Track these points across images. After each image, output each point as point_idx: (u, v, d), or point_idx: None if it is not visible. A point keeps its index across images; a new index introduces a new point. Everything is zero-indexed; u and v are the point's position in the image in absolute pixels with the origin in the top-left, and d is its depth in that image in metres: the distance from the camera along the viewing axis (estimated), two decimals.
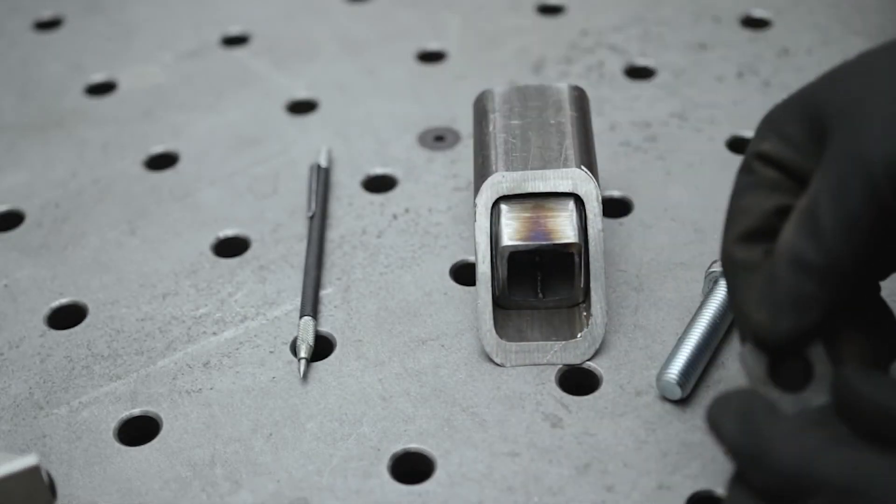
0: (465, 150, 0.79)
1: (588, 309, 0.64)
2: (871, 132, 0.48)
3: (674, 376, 0.60)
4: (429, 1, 0.95)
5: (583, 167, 0.63)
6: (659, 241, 0.71)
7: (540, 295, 0.66)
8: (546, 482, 0.58)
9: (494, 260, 0.63)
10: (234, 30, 0.94)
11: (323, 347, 0.66)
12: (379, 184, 0.78)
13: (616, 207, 0.74)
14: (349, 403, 0.63)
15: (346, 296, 0.69)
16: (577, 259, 0.63)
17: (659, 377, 0.61)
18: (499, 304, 0.65)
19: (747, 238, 0.52)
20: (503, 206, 0.64)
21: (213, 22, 0.95)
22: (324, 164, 0.77)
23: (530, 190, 0.63)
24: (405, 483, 0.59)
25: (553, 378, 0.63)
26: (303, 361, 0.64)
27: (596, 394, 0.62)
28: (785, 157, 0.52)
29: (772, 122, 0.54)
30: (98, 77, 0.90)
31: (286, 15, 0.95)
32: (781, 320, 0.49)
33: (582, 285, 0.64)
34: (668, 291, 0.67)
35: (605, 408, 0.61)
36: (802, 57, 0.85)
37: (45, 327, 0.69)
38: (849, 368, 0.49)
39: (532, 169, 0.64)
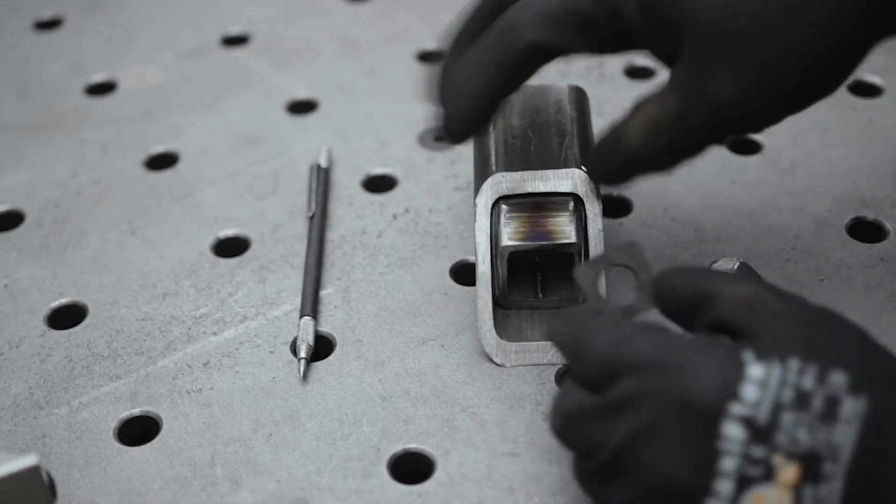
0: (465, 150, 0.79)
1: None
2: (731, 80, 0.53)
3: None
4: (429, 1, 0.95)
5: (583, 167, 0.63)
6: (659, 241, 0.71)
7: (540, 295, 0.66)
8: (546, 482, 0.58)
9: (494, 260, 0.63)
10: (234, 30, 0.94)
11: (323, 347, 0.66)
12: (379, 184, 0.78)
13: (616, 207, 0.74)
14: (349, 403, 0.63)
15: (346, 296, 0.69)
16: (577, 259, 0.63)
17: None
18: (499, 304, 0.65)
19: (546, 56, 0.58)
20: (503, 206, 0.64)
21: (213, 22, 0.95)
22: (324, 164, 0.77)
23: (530, 190, 0.63)
24: (405, 483, 0.59)
25: (553, 378, 0.63)
26: (303, 361, 0.64)
27: None
28: (626, 15, 0.56)
29: None
30: (98, 77, 0.90)
31: (286, 15, 0.95)
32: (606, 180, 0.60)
33: None
34: None
35: None
36: None
37: (45, 327, 0.69)
38: (669, 269, 0.54)
39: (532, 169, 0.64)
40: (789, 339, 0.48)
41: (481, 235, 0.64)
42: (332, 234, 0.73)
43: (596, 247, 0.63)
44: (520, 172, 0.63)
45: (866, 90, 0.82)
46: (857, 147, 0.77)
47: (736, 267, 0.62)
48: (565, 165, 0.64)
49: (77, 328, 0.68)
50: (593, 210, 0.63)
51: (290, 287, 0.70)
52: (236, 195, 0.77)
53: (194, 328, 0.68)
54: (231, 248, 0.73)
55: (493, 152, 0.66)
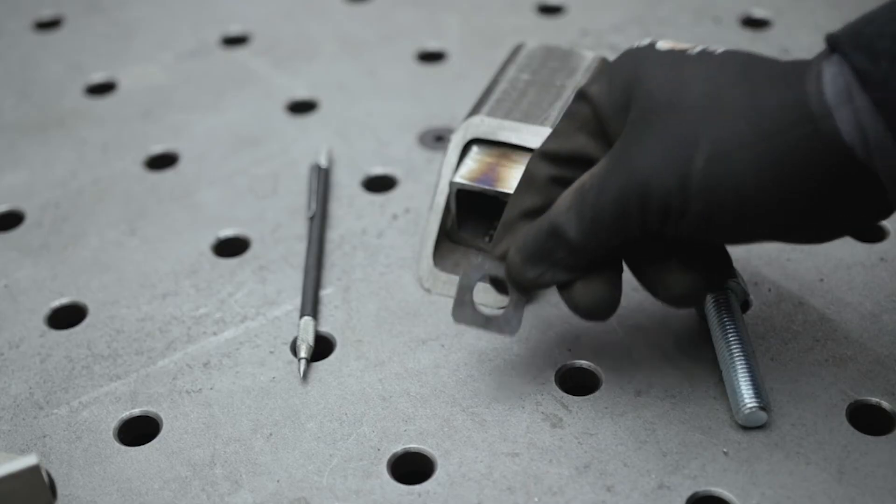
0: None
1: None
2: (649, 154, 0.54)
3: (754, 404, 0.59)
4: (429, 1, 0.95)
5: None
6: None
7: (487, 239, 0.68)
8: (546, 482, 0.58)
9: (450, 195, 0.67)
10: (234, 30, 0.94)
11: (323, 347, 0.66)
12: (379, 184, 0.78)
13: None
14: (349, 403, 0.63)
15: (346, 296, 0.69)
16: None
17: (738, 411, 0.59)
18: (449, 237, 0.68)
19: (552, 159, 0.59)
20: (473, 148, 0.67)
21: (213, 22, 0.95)
22: (324, 164, 0.77)
23: (502, 139, 0.66)
24: (405, 483, 0.59)
25: (553, 378, 0.63)
26: (303, 361, 0.64)
27: (596, 394, 0.62)
28: (600, 105, 0.57)
29: (610, 72, 0.58)
30: (98, 77, 0.90)
31: (286, 15, 0.95)
32: (528, 270, 0.58)
33: None
34: None
35: (605, 408, 0.61)
36: (802, 57, 0.85)
37: (45, 327, 0.69)
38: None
39: (512, 120, 0.66)
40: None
41: (446, 168, 0.67)
42: (332, 234, 0.73)
43: None
44: (498, 121, 0.66)
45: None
46: None
47: None
48: (542, 125, 0.66)
49: (77, 328, 0.68)
50: None
51: (290, 287, 0.70)
52: (236, 195, 0.77)
53: (194, 328, 0.68)
54: (231, 248, 0.73)
55: (488, 98, 0.68)
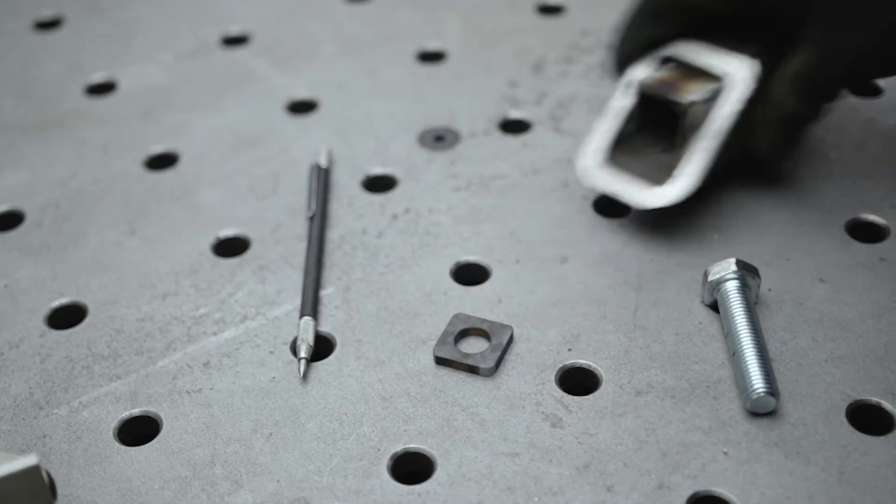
0: (465, 150, 0.79)
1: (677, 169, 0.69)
2: (860, 46, 0.67)
3: (763, 389, 0.59)
4: (429, 1, 0.95)
5: (754, 61, 0.70)
6: (659, 241, 0.71)
7: (659, 149, 0.71)
8: (546, 482, 0.58)
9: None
10: (234, 30, 0.94)
11: (323, 347, 0.66)
12: (379, 184, 0.78)
13: (616, 207, 0.74)
14: (349, 403, 0.63)
15: (346, 296, 0.69)
16: (682, 121, 0.69)
17: (748, 397, 0.59)
18: (620, 141, 0.72)
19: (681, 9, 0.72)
20: (670, 63, 0.72)
21: (213, 22, 0.95)
22: (324, 164, 0.77)
23: (695, 62, 0.71)
24: (405, 483, 0.59)
25: (553, 378, 0.63)
26: (303, 361, 0.64)
27: (596, 394, 0.62)
28: None
29: None
30: (98, 77, 0.90)
31: (286, 15, 0.95)
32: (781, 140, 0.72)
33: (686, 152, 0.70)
34: (668, 291, 0.67)
35: (605, 408, 0.61)
36: None
37: (45, 327, 0.69)
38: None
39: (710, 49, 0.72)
40: None
41: (640, 74, 0.72)
42: (332, 234, 0.73)
43: (719, 124, 0.69)
44: (697, 44, 0.72)
45: (866, 90, 0.82)
46: (857, 147, 0.77)
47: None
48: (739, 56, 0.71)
49: (77, 328, 0.68)
50: (737, 93, 0.69)
51: (290, 287, 0.70)
52: (236, 195, 0.77)
53: (194, 328, 0.68)
54: (231, 248, 0.73)
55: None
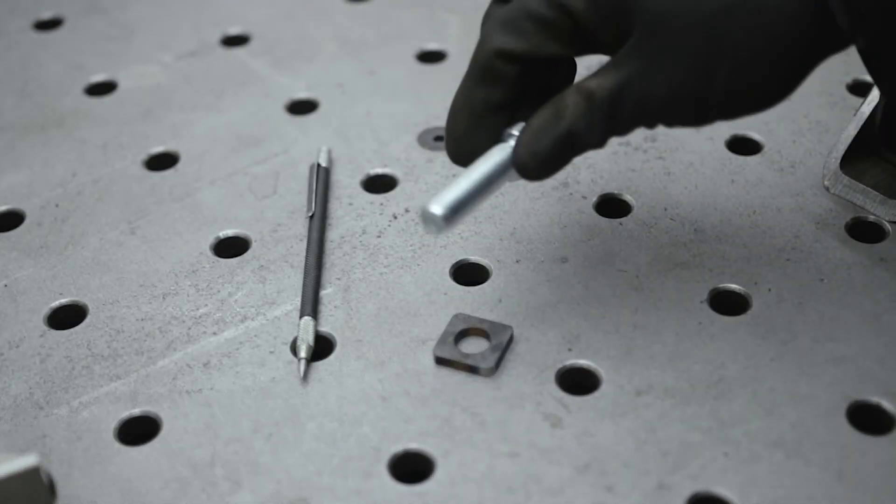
0: None
1: None
2: (665, 81, 0.57)
3: (439, 209, 0.58)
4: (429, 1, 0.95)
5: None
6: (659, 241, 0.71)
7: None
8: (546, 482, 0.58)
9: (878, 106, 0.70)
10: (234, 30, 0.94)
11: (323, 347, 0.66)
12: (379, 184, 0.78)
13: (616, 207, 0.74)
14: (349, 403, 0.63)
15: (346, 296, 0.69)
16: None
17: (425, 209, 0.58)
18: (866, 147, 0.71)
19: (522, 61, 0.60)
20: None
21: (213, 22, 0.95)
22: (324, 164, 0.77)
23: None
24: (405, 483, 0.59)
25: (553, 378, 0.63)
26: (303, 361, 0.64)
27: (596, 394, 0.62)
28: (586, 19, 0.58)
29: None
30: (98, 77, 0.90)
31: (286, 15, 0.95)
32: (543, 173, 0.60)
33: None
34: (668, 291, 0.67)
35: (605, 408, 0.61)
36: None
37: (45, 327, 0.69)
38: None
39: None
40: None
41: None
42: (332, 234, 0.73)
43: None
44: None
45: (866, 90, 0.82)
46: None
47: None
48: None
49: (77, 328, 0.68)
50: None
51: (290, 287, 0.70)
52: (236, 195, 0.77)
53: (194, 328, 0.68)
54: (231, 248, 0.73)
55: None
